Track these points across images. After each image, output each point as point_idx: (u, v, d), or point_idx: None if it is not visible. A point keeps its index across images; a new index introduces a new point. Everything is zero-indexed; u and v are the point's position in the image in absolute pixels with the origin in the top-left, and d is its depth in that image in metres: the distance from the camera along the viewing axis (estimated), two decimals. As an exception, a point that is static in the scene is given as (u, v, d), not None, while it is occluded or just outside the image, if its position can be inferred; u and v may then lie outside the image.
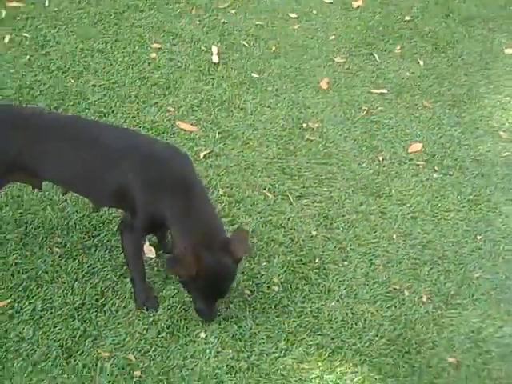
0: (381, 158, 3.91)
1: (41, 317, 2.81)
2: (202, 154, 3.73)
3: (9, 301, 2.85)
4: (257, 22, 4.99)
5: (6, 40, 4.42)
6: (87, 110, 3.91)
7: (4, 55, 4.27)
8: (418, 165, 3.90)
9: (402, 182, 3.77)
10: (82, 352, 2.70)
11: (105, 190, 2.78)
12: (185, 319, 2.87)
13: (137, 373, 2.65)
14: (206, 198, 2.78)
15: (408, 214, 3.57)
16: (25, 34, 4.50)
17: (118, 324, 2.81)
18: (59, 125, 2.81)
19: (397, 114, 4.29)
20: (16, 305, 2.84)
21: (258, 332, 2.89)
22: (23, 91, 4.01)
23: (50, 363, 2.65)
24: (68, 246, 3.11)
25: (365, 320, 3.01)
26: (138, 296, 2.85)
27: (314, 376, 2.77)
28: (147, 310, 2.85)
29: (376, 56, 4.81)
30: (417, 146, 4.03)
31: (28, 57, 4.30)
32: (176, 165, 2.77)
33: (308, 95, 4.34)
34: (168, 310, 2.89)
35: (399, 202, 3.63)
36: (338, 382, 2.77)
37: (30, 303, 2.85)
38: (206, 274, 2.60)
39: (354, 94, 4.44)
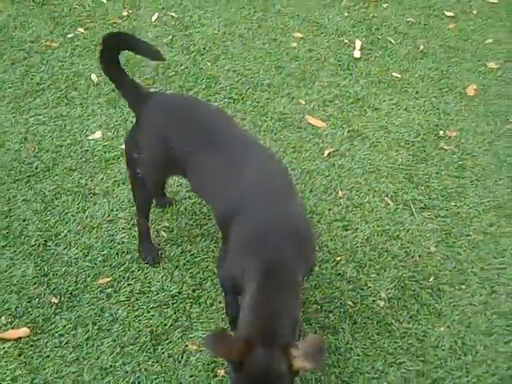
0: (522, 178, 3.57)
1: (137, 299, 2.80)
2: (326, 152, 3.57)
3: (109, 279, 2.86)
4: (408, 19, 4.73)
5: (154, 18, 4.48)
6: (217, 95, 3.87)
7: (148, 33, 4.32)
8: None
9: (542, 206, 3.41)
10: (171, 341, 2.66)
11: (219, 215, 2.54)
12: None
13: (221, 371, 2.57)
14: (296, 291, 2.27)
15: (544, 242, 3.22)
16: (172, 14, 4.53)
17: (211, 319, 2.74)
18: (212, 136, 2.52)
19: (548, 131, 3.90)
20: (115, 284, 2.85)
21: (355, 347, 2.71)
22: (159, 70, 4.04)
23: (137, 348, 2.63)
24: (175, 231, 3.08)
25: (476, 352, 2.75)
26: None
27: (408, 406, 2.56)
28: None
29: (536, 65, 4.41)
30: None
31: (171, 36, 4.33)
32: (285, 243, 2.29)
33: (450, 101, 4.05)
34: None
35: (536, 228, 3.29)
36: (435, 416, 2.54)
37: (128, 284, 2.85)
38: (250, 370, 2.07)
39: (503, 104, 4.08)
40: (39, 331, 2.64)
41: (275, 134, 3.66)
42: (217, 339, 2.09)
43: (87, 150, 3.44)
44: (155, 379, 2.53)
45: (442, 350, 2.74)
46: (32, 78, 3.87)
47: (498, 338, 2.81)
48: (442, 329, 2.81)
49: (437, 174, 3.53)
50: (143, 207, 2.84)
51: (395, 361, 2.69)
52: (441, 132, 3.80)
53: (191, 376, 2.56)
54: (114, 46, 2.60)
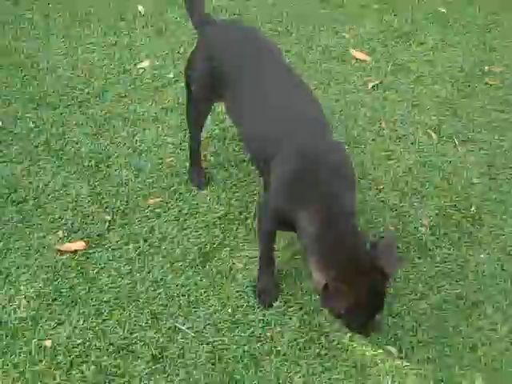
0: None
1: (185, 220, 2.89)
2: (370, 85, 3.60)
3: (159, 200, 2.96)
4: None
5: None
6: (262, 29, 3.89)
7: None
8: None
9: None
10: (219, 259, 2.75)
11: (258, 150, 2.54)
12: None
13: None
14: (351, 215, 2.35)
15: None
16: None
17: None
18: (254, 66, 2.57)
19: None
20: (164, 205, 2.94)
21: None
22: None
23: (186, 264, 2.73)
24: (222, 156, 3.16)
25: (516, 262, 2.81)
26: (261, 281, 2.65)
27: (447, 326, 2.63)
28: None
29: None
30: None
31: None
32: (333, 173, 2.33)
33: (497, 37, 4.02)
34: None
35: None
36: (473, 335, 2.61)
37: (177, 205, 2.94)
38: (362, 301, 2.26)
39: (550, 40, 4.05)
40: (94, 245, 2.76)
41: (320, 65, 3.69)
42: (327, 299, 2.23)
43: (136, 78, 3.52)
44: (204, 292, 2.64)
45: (483, 275, 2.80)
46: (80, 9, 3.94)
47: (538, 266, 2.86)
48: (482, 256, 2.87)
49: (481, 108, 3.54)
50: (195, 128, 2.91)
51: (435, 284, 2.76)
52: (486, 67, 3.80)
53: (237, 291, 2.65)
54: None
